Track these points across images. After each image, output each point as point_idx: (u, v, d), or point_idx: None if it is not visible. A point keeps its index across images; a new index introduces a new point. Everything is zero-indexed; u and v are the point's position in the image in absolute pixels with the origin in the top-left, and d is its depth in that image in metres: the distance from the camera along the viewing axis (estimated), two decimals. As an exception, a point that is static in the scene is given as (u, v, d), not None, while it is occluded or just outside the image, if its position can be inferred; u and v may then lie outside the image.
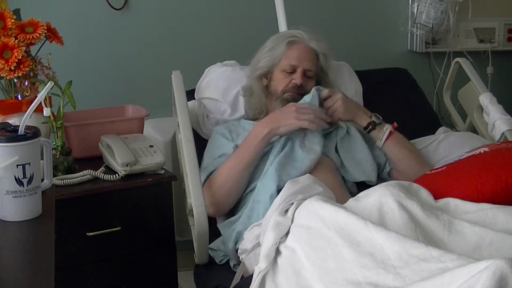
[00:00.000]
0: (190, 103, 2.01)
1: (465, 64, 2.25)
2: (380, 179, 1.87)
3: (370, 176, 1.81)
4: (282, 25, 2.20)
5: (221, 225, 1.76)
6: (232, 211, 1.78)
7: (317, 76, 1.98)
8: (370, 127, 1.85)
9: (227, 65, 2.16)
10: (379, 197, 1.36)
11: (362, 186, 1.83)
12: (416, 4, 2.62)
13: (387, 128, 1.84)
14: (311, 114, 1.73)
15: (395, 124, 1.87)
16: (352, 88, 2.18)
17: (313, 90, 1.83)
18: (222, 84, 2.08)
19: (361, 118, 1.86)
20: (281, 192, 1.47)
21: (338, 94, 1.85)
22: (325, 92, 1.84)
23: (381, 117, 1.87)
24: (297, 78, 1.90)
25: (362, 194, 1.43)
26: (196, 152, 1.74)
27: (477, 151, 1.67)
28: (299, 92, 1.89)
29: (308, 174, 1.55)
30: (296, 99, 1.85)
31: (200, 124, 2.02)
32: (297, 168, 1.69)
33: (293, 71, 1.92)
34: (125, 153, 1.73)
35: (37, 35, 1.68)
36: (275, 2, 2.22)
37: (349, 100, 1.90)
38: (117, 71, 2.34)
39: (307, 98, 1.81)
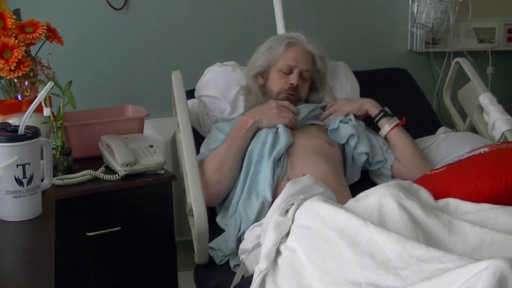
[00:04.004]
0: (190, 101, 2.01)
1: (465, 64, 2.25)
2: (377, 175, 1.93)
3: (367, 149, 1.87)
4: (280, 26, 2.20)
5: (221, 220, 1.76)
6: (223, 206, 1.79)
7: (312, 79, 2.03)
8: (381, 114, 1.94)
9: (227, 65, 2.16)
10: (379, 197, 1.36)
11: (364, 184, 1.85)
12: (416, 4, 2.62)
13: (396, 119, 1.94)
14: (290, 113, 1.84)
15: (404, 119, 1.95)
16: (348, 86, 2.19)
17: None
18: (222, 83, 2.08)
19: (371, 107, 1.96)
20: (281, 193, 1.47)
21: (334, 101, 1.98)
22: (325, 113, 1.99)
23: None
24: (293, 79, 1.95)
25: (362, 194, 1.43)
26: (196, 152, 1.75)
27: (477, 151, 1.67)
28: (294, 94, 1.95)
29: (308, 175, 1.55)
30: (290, 101, 1.92)
31: (200, 123, 2.02)
32: (281, 142, 1.74)
33: (290, 71, 1.96)
34: (125, 153, 1.73)
35: (37, 35, 1.68)
36: (274, 3, 2.22)
37: (349, 98, 2.04)
38: (117, 71, 2.34)
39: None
